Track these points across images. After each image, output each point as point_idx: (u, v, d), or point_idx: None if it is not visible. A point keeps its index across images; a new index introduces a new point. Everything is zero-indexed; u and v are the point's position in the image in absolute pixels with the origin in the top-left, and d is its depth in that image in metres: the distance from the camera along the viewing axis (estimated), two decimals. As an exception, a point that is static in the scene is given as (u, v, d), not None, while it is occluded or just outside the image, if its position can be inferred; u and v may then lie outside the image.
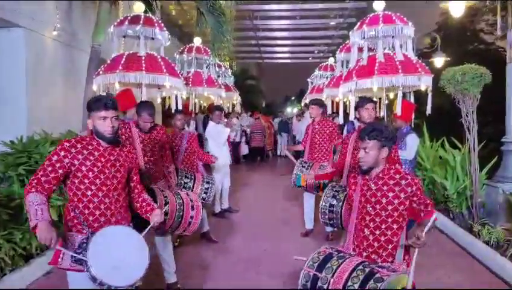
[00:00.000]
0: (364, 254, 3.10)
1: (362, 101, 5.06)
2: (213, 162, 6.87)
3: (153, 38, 7.54)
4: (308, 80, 14.69)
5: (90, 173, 3.05)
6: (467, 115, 6.86)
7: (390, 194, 3.05)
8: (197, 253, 6.21)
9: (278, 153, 18.80)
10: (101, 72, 7.00)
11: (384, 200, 3.06)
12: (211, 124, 8.18)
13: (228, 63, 15.97)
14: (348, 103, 8.34)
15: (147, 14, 7.41)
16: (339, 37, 20.86)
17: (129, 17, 7.11)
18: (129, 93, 6.97)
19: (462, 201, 7.30)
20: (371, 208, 3.10)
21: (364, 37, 6.66)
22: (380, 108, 8.54)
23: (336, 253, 2.96)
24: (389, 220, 3.04)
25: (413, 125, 6.75)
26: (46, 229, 2.70)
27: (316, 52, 26.70)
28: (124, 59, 6.96)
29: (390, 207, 3.04)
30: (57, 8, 8.44)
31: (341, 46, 10.01)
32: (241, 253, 6.24)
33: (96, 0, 8.67)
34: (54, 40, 8.42)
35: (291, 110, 35.13)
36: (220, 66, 13.96)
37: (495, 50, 22.29)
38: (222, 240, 6.78)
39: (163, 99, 8.52)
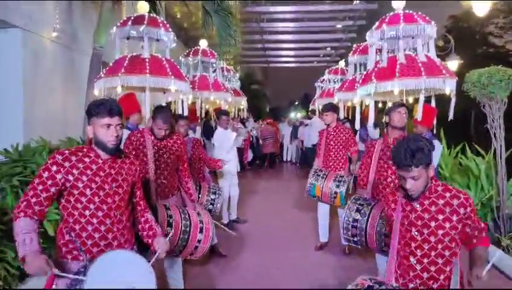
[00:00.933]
0: (411, 285, 2.63)
1: (394, 105, 4.63)
2: (221, 167, 6.45)
3: (157, 40, 7.17)
4: (316, 84, 14.28)
5: (88, 189, 2.62)
6: (493, 120, 6.42)
7: (440, 217, 2.58)
8: (205, 270, 5.76)
9: (285, 158, 18.37)
10: (102, 76, 6.60)
11: (433, 224, 2.59)
12: (218, 130, 7.76)
13: (233, 66, 15.56)
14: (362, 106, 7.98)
15: (152, 15, 7.01)
16: (347, 40, 20.44)
17: (132, 18, 6.71)
18: (132, 97, 6.57)
19: (487, 212, 6.83)
20: (416, 233, 2.61)
21: (383, 38, 6.23)
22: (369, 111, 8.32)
23: (377, 285, 2.48)
24: (440, 246, 2.57)
25: (434, 131, 6.33)
26: (34, 261, 2.33)
27: (321, 55, 26.29)
28: (126, 62, 6.57)
29: (440, 232, 2.57)
30: (56, 8, 8.04)
31: (354, 48, 9.60)
32: (252, 270, 5.79)
33: (98, 0, 8.25)
34: (53, 41, 8.01)
35: (295, 115, 34.81)
36: (228, 70, 13.61)
37: (505, 53, 21.89)
38: (231, 255, 6.34)
39: (169, 104, 8.10)
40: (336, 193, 6.06)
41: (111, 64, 6.72)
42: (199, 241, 3.95)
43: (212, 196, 5.66)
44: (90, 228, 2.63)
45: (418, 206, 2.65)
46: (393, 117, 4.40)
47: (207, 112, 12.25)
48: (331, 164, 6.52)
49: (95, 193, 2.63)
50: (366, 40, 8.91)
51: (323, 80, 14.16)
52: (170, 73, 6.68)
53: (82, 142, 6.79)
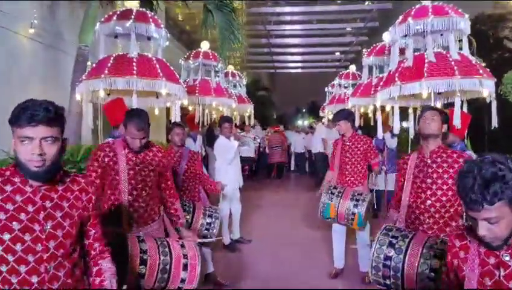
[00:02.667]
0: None
1: (422, 110, 3.71)
2: (219, 191, 5.62)
3: (149, 39, 6.40)
4: (326, 89, 13.47)
5: (6, 232, 1.78)
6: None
7: None
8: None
9: (292, 168, 17.48)
10: (84, 78, 5.81)
11: None
12: (220, 139, 6.91)
13: (239, 71, 14.76)
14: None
15: (141, 9, 6.21)
16: (358, 43, 19.57)
17: (118, 12, 5.93)
18: (120, 103, 5.76)
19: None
20: None
21: (408, 33, 5.39)
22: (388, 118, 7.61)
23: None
24: None
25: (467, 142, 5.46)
26: None
27: (329, 60, 25.45)
28: (111, 62, 5.82)
29: None
30: (32, 2, 7.22)
31: (369, 49, 8.77)
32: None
33: (85, -1, 7.46)
34: (32, 39, 7.20)
35: (302, 122, 34.11)
36: (234, 76, 12.84)
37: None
38: (232, 283, 5.46)
39: (168, 110, 7.31)
40: (353, 213, 5.18)
41: (94, 65, 5.96)
42: (183, 281, 3.07)
43: (208, 219, 4.79)
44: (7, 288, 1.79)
45: (507, 257, 1.77)
46: (421, 124, 3.45)
47: (211, 119, 11.45)
48: (347, 179, 5.64)
49: (16, 238, 1.79)
50: (378, 43, 8.15)
51: (334, 85, 13.35)
52: (161, 74, 5.94)
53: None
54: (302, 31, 20.06)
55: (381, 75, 8.61)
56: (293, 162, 17.28)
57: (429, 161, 3.33)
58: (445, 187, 3.23)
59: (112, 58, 5.88)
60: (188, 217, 4.70)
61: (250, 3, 12.53)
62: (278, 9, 17.22)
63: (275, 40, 20.54)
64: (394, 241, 3.13)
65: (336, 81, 13.19)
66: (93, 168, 3.30)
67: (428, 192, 3.28)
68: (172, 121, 6.27)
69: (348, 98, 12.61)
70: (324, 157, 13.12)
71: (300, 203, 10.74)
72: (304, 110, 43.93)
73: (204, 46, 9.59)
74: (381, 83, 5.85)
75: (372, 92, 8.43)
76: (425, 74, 4.96)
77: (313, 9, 17.96)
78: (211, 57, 9.41)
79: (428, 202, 3.27)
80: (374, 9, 16.45)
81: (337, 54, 23.17)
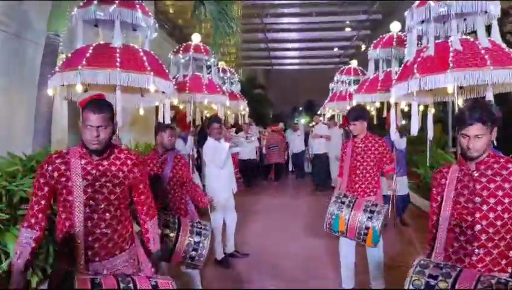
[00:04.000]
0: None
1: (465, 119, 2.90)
2: (205, 205, 4.84)
3: (135, 30, 5.66)
4: (331, 85, 12.85)
5: None
6: None
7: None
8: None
9: (291, 168, 16.58)
10: (57, 70, 5.04)
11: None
12: (209, 141, 6.16)
13: (234, 69, 14.04)
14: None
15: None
16: (359, 38, 18.76)
17: (100, -5, 5.17)
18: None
19: None
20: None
21: (428, 18, 4.65)
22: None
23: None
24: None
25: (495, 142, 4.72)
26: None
27: (328, 56, 24.68)
28: (90, 52, 5.07)
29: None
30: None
31: (375, 41, 8.04)
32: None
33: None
34: (-10, 27, 6.37)
35: (298, 121, 33.51)
36: (225, 71, 12.10)
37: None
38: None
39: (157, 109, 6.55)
40: (367, 228, 4.43)
41: (70, 55, 5.19)
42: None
43: (197, 238, 4.02)
44: None
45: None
46: (462, 144, 2.58)
47: (203, 118, 10.71)
48: (358, 186, 4.89)
49: None
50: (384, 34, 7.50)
51: (335, 81, 12.68)
52: (149, 68, 5.19)
53: (26, 157, 5.15)
54: (300, 24, 19.19)
55: (389, 69, 7.91)
56: (290, 162, 16.38)
57: (476, 174, 2.56)
58: (499, 208, 2.47)
59: (91, 47, 5.13)
60: (172, 235, 3.95)
61: (246, -5, 11.89)
62: (276, 1, 16.36)
63: (272, 34, 19.65)
64: (433, 282, 2.33)
65: (337, 77, 12.56)
66: (38, 185, 2.53)
67: (477, 214, 2.51)
68: (161, 121, 5.53)
69: (349, 94, 11.98)
70: (326, 158, 12.43)
71: (302, 208, 10.00)
72: (300, 109, 43.42)
73: (196, 38, 8.84)
74: (394, 77, 5.10)
75: (379, 88, 7.75)
76: (451, 65, 4.22)
77: (312, 1, 17.23)
78: (202, 50, 8.67)
79: (478, 226, 2.50)
80: (377, 0, 15.60)
81: (336, 49, 22.29)
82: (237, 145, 6.44)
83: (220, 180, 6.07)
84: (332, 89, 12.93)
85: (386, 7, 14.87)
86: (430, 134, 4.95)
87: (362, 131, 4.88)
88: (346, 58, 20.89)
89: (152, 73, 5.19)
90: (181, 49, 8.78)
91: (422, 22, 4.86)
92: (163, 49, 10.51)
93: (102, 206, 2.57)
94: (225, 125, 13.98)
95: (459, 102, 5.11)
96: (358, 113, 4.93)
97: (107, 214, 2.58)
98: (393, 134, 6.17)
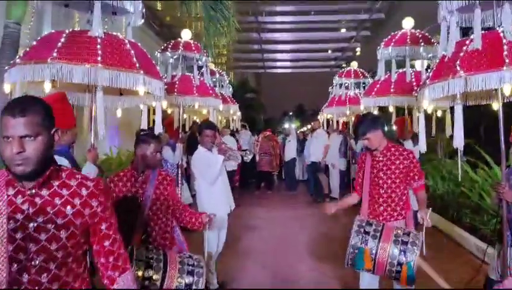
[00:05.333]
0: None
1: None
2: (204, 226, 3.86)
3: (115, 13, 4.75)
4: (331, 89, 12.07)
5: None
6: None
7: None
8: None
9: (283, 176, 15.53)
10: (18, 62, 4.09)
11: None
12: (199, 151, 5.26)
13: (225, 72, 13.19)
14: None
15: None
16: (359, 39, 17.90)
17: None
18: (64, 101, 4.16)
19: None
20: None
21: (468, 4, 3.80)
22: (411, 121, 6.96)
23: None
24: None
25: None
26: None
27: (323, 59, 23.86)
28: (62, 41, 4.12)
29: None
30: None
31: (386, 39, 7.25)
32: None
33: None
34: None
35: (288, 126, 32.91)
36: (213, 73, 11.21)
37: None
38: None
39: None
40: (400, 263, 3.55)
41: (35, 43, 4.23)
42: None
43: (187, 279, 3.09)
44: None
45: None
46: None
47: (194, 123, 9.82)
48: (382, 209, 4.02)
49: None
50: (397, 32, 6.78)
51: (334, 84, 11.90)
52: (138, 65, 4.28)
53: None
54: (297, 24, 18.25)
55: (401, 70, 7.16)
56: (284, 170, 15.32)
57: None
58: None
59: (63, 35, 4.17)
60: (156, 277, 3.03)
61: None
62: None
63: (266, 34, 18.72)
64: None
65: (336, 80, 11.75)
66: None
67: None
68: (144, 128, 4.59)
69: (350, 99, 11.18)
70: (323, 167, 11.59)
71: (299, 222, 9.10)
72: (291, 114, 42.85)
73: (186, 35, 7.96)
74: (427, 75, 4.25)
75: (393, 91, 6.93)
76: (507, 60, 3.38)
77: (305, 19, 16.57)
78: (193, 48, 7.82)
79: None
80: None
81: (329, 51, 21.41)
82: (233, 159, 5.52)
83: (213, 197, 5.17)
84: (332, 93, 12.13)
85: (388, 6, 14.11)
86: (460, 143, 4.05)
87: (380, 142, 4.02)
88: (342, 61, 20.03)
89: (142, 71, 4.27)
90: (169, 46, 7.91)
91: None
92: (148, 48, 9.59)
93: (38, 262, 1.65)
94: (219, 133, 13.03)
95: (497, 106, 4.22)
96: (368, 123, 4.06)
97: (44, 275, 1.67)
98: (424, 144, 5.32)
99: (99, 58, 4.03)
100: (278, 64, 24.76)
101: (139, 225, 3.29)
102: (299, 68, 25.80)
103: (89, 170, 3.88)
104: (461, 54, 3.70)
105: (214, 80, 11.47)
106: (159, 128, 4.73)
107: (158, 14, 12.63)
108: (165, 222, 3.50)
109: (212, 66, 11.74)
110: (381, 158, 4.07)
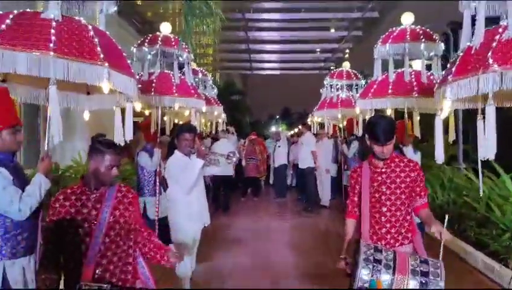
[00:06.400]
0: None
1: None
2: (173, 265, 3.10)
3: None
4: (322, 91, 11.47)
5: None
6: None
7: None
8: None
9: (271, 181, 14.72)
10: None
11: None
12: (175, 156, 4.64)
13: (211, 73, 12.50)
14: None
15: None
16: (350, 39, 17.18)
17: None
18: (6, 97, 3.45)
19: None
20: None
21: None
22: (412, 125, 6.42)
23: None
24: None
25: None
26: None
27: (310, 60, 23.20)
28: (8, 23, 3.37)
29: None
30: None
31: (384, 36, 6.68)
32: None
33: None
34: None
35: (276, 130, 32.51)
36: (195, 73, 10.53)
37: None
38: None
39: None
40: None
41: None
42: None
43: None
44: None
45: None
46: None
47: (175, 126, 9.09)
48: (384, 231, 3.29)
49: None
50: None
51: (326, 86, 11.28)
52: (102, 56, 3.56)
53: None
54: (285, 22, 17.47)
55: (400, 70, 6.54)
56: (271, 175, 14.48)
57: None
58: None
59: (10, 16, 3.42)
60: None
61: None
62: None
63: (254, 33, 17.95)
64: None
65: (327, 81, 11.12)
66: None
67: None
68: (103, 134, 3.83)
69: (341, 101, 10.57)
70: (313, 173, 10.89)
71: (288, 236, 8.37)
72: (277, 117, 42.56)
73: (165, 29, 7.23)
74: (448, 71, 3.60)
75: (391, 92, 6.31)
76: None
77: (293, 17, 15.92)
78: (173, 43, 7.08)
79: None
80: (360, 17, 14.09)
81: (318, 52, 20.71)
82: (214, 164, 4.83)
83: (188, 208, 4.57)
84: (322, 95, 11.51)
85: (382, 6, 13.42)
86: (491, 152, 3.38)
87: (392, 151, 3.32)
88: (331, 63, 19.42)
89: (107, 64, 3.54)
90: (146, 41, 7.17)
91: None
92: (127, 45, 8.86)
93: None
94: (201, 137, 12.27)
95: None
96: (393, 126, 3.34)
97: None
98: (441, 154, 4.63)
99: (51, 45, 3.28)
100: (266, 65, 24.02)
101: (90, 256, 2.57)
102: (287, 70, 25.09)
103: (34, 186, 3.14)
104: (493, 45, 3.04)
105: (197, 79, 10.80)
106: (129, 134, 3.98)
107: (139, 9, 11.85)
108: (125, 251, 2.74)
109: (194, 66, 11.06)
110: (384, 169, 3.33)
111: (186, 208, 4.61)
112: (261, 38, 19.03)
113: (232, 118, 17.90)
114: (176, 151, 4.71)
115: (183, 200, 4.60)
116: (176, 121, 8.94)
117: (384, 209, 3.31)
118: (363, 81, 10.53)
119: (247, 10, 14.90)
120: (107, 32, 4.04)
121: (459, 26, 9.50)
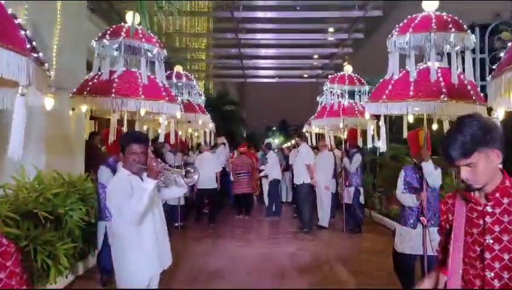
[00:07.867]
0: None
1: None
2: None
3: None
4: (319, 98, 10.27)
5: None
6: None
7: None
8: None
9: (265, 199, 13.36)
10: None
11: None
12: (120, 174, 3.48)
13: (204, 82, 11.36)
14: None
15: None
16: (350, 44, 16.08)
17: None
18: None
19: None
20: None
21: None
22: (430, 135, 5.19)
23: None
24: None
25: None
26: None
27: (305, 76, 22.17)
28: None
29: None
30: None
31: (400, 25, 5.34)
32: None
33: None
34: None
35: (272, 141, 31.66)
36: (179, 76, 9.42)
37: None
38: None
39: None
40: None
41: None
42: None
43: None
44: None
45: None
46: None
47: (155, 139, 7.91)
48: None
49: None
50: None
51: (326, 92, 10.06)
52: (28, 46, 2.53)
53: None
54: (281, 23, 16.28)
55: (424, 66, 5.19)
56: (265, 191, 13.13)
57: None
58: None
59: None
60: None
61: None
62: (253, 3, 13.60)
63: (245, 36, 16.73)
64: None
65: (327, 86, 9.90)
66: None
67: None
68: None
69: (343, 109, 9.35)
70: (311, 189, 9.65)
71: (282, 267, 7.01)
72: (274, 129, 41.90)
73: (131, 18, 6.01)
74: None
75: (412, 94, 5.00)
76: None
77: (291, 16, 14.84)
78: (140, 35, 5.84)
79: None
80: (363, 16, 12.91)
81: (315, 57, 19.61)
82: (170, 183, 3.54)
83: (138, 248, 3.29)
84: (321, 103, 10.25)
85: (370, 24, 12.36)
86: None
87: (492, 175, 2.07)
88: (331, 70, 18.22)
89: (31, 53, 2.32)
90: (108, 33, 5.95)
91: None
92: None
93: None
94: (184, 149, 11.02)
95: None
96: (476, 134, 2.05)
97: None
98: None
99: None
100: (260, 72, 22.82)
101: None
102: (282, 78, 23.83)
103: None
104: None
105: (180, 84, 9.62)
106: (17, 150, 2.64)
107: (112, 3, 10.62)
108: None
109: (180, 69, 9.90)
110: (489, 209, 2.07)
111: (137, 247, 3.33)
112: (254, 41, 17.81)
113: (226, 130, 16.73)
114: (121, 169, 3.46)
115: (132, 236, 3.33)
116: (146, 127, 7.67)
117: (491, 274, 2.04)
118: (367, 87, 9.32)
119: (236, 8, 13.51)
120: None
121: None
